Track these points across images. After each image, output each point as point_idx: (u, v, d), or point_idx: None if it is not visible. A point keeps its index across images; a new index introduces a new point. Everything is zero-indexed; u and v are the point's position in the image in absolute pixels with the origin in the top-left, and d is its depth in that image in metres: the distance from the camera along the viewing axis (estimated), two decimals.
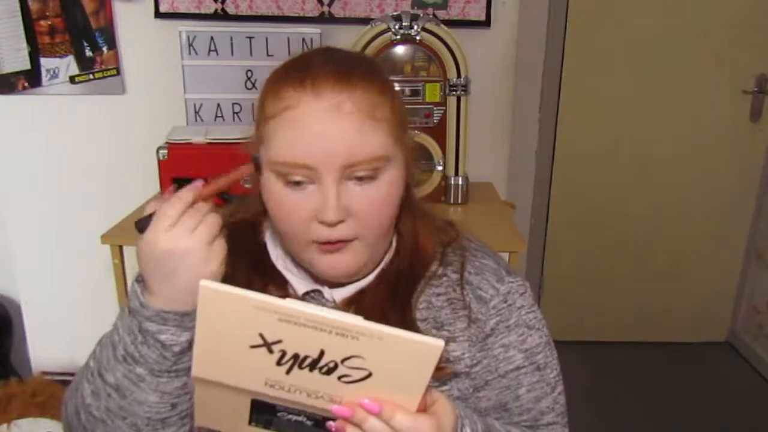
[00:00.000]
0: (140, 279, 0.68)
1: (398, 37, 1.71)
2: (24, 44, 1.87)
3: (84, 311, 2.07)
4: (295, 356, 0.57)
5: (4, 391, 1.91)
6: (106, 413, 0.70)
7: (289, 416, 0.63)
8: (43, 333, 2.20)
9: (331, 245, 0.71)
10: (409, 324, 0.76)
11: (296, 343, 0.56)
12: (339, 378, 0.58)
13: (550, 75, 2.53)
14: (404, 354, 0.56)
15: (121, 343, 0.69)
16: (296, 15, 1.89)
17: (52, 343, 2.19)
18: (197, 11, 1.89)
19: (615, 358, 2.75)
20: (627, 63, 2.52)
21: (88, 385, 0.71)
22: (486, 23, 1.90)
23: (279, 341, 0.56)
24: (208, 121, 1.91)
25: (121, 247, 1.61)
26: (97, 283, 1.97)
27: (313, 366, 0.57)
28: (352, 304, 0.78)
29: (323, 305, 0.79)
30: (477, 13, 1.90)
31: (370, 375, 0.57)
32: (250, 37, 1.86)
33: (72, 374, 0.77)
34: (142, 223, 0.67)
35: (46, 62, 1.91)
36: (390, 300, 0.77)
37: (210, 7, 1.89)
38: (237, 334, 0.57)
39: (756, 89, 2.54)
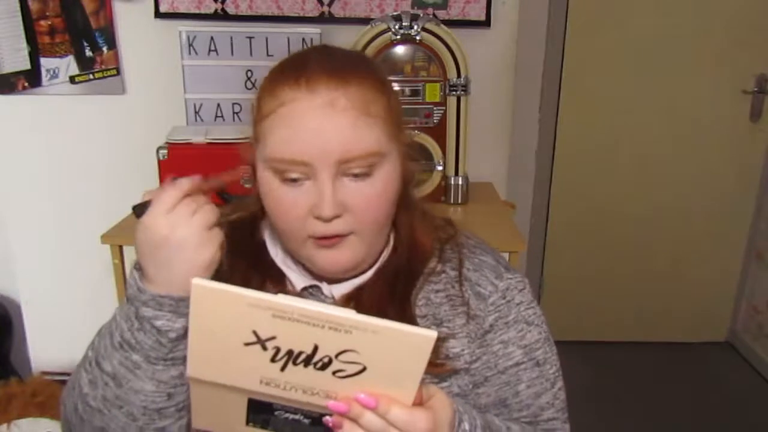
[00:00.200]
0: (138, 266, 0.69)
1: (398, 37, 1.71)
2: (24, 44, 1.87)
3: (84, 311, 2.07)
4: (290, 352, 0.57)
5: (4, 391, 1.91)
6: (102, 402, 0.70)
7: (286, 415, 0.63)
8: (43, 333, 2.21)
9: (328, 240, 0.71)
10: (409, 320, 0.76)
11: (290, 339, 0.56)
12: (334, 373, 0.58)
13: (550, 75, 2.53)
14: (397, 346, 0.56)
15: (118, 330, 0.69)
16: (296, 15, 1.89)
17: (52, 343, 2.19)
18: (197, 11, 1.89)
19: (615, 358, 2.75)
20: (627, 63, 2.52)
21: (86, 374, 0.72)
22: (486, 23, 1.90)
23: (273, 338, 0.56)
24: (208, 121, 1.91)
25: (121, 247, 1.61)
26: (97, 283, 1.97)
27: (307, 362, 0.57)
28: (351, 301, 0.78)
29: (322, 301, 0.79)
30: (477, 13, 1.90)
31: (364, 369, 0.57)
32: (250, 37, 1.86)
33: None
34: (139, 208, 0.67)
35: (46, 62, 1.91)
36: (389, 296, 0.77)
37: (210, 7, 1.89)
38: (230, 331, 0.57)
39: (756, 89, 2.54)
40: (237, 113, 1.89)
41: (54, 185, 2.06)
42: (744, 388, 2.61)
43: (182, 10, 1.89)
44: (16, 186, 2.06)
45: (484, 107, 1.93)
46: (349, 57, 0.76)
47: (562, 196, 2.70)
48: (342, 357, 0.57)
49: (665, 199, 2.69)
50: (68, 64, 1.92)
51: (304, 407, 0.62)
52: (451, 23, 1.80)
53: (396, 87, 1.74)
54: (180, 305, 0.67)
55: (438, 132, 1.77)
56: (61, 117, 1.98)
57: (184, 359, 0.69)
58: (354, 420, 0.59)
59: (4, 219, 2.10)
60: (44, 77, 1.92)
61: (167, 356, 0.69)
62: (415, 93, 1.76)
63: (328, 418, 0.61)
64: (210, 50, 1.86)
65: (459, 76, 1.73)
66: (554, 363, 0.83)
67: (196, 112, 1.91)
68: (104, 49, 1.92)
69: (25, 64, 1.90)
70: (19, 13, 1.85)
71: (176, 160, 1.69)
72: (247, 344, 0.57)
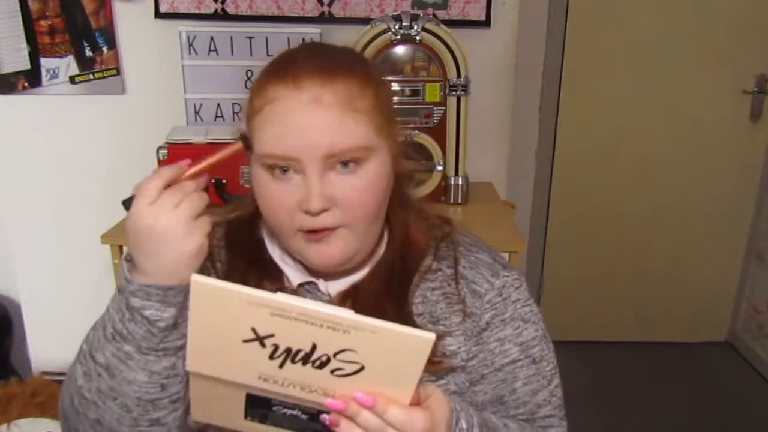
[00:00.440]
0: (128, 258, 0.70)
1: (398, 37, 1.71)
2: (24, 44, 1.87)
3: (84, 311, 2.06)
4: (288, 350, 0.57)
5: (4, 391, 1.91)
6: (97, 394, 0.71)
7: (284, 410, 0.63)
8: (43, 333, 2.20)
9: (316, 234, 0.72)
10: (406, 317, 0.77)
11: (288, 337, 0.57)
12: (332, 372, 0.58)
13: (550, 75, 2.53)
14: (396, 347, 0.56)
15: (110, 322, 0.70)
16: (296, 15, 1.89)
17: (52, 343, 2.19)
18: (197, 11, 1.89)
19: (615, 358, 2.75)
20: (627, 63, 2.52)
21: (81, 367, 0.72)
22: (486, 23, 1.90)
23: (271, 335, 0.57)
24: (208, 121, 1.91)
25: (121, 247, 1.61)
26: (97, 283, 1.97)
27: (305, 360, 0.58)
28: (347, 298, 0.78)
29: (318, 298, 0.80)
30: (477, 13, 1.90)
31: (362, 368, 0.58)
32: (250, 37, 1.86)
33: None
34: (128, 202, 0.68)
35: (46, 62, 1.91)
36: (386, 294, 0.78)
37: (210, 7, 1.89)
38: (229, 328, 0.57)
39: (756, 89, 2.54)
40: (237, 113, 1.89)
41: (54, 185, 2.06)
42: (744, 388, 2.61)
43: (182, 10, 1.89)
44: (16, 186, 2.06)
45: (484, 107, 1.93)
46: (337, 53, 0.76)
47: (562, 196, 2.70)
48: (340, 356, 0.57)
49: (665, 199, 2.69)
50: (68, 64, 1.92)
51: (302, 403, 0.62)
52: (451, 23, 1.80)
53: (396, 87, 1.75)
54: (168, 294, 0.68)
55: (438, 132, 1.77)
56: (61, 117, 1.98)
57: (176, 350, 0.70)
58: (351, 418, 0.60)
59: (4, 219, 2.10)
60: (44, 77, 1.92)
61: (158, 346, 0.69)
62: (415, 93, 1.76)
63: (325, 416, 0.61)
64: (210, 50, 1.86)
65: (459, 76, 1.73)
66: (551, 360, 0.83)
67: (196, 112, 1.91)
68: (104, 49, 1.92)
69: (25, 64, 1.90)
70: (19, 13, 1.85)
71: (176, 160, 1.68)
72: (245, 341, 0.57)
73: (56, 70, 1.92)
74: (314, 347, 0.57)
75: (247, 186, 0.79)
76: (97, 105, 1.97)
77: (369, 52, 1.70)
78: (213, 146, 1.72)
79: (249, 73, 1.85)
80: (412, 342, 0.56)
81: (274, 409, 0.63)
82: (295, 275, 0.80)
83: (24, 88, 1.92)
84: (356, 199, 0.71)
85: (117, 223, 1.65)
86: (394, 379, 0.58)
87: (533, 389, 0.81)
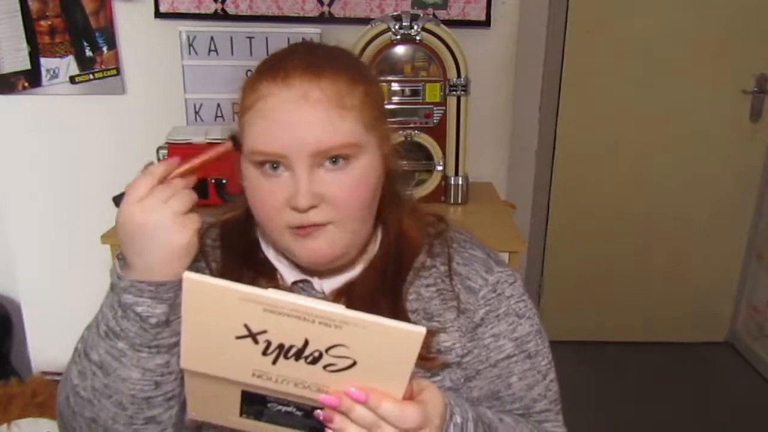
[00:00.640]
0: (121, 256, 0.71)
1: (398, 37, 1.71)
2: (24, 44, 1.87)
3: (84, 311, 2.05)
4: (281, 346, 0.58)
5: (4, 391, 1.91)
6: (92, 392, 0.71)
7: (279, 407, 0.64)
8: (43, 333, 2.20)
9: (304, 230, 0.72)
10: (400, 314, 0.77)
11: (281, 333, 0.57)
12: (324, 367, 0.58)
13: (550, 75, 2.53)
14: (387, 342, 0.56)
15: (104, 320, 0.71)
16: (296, 15, 1.89)
17: (52, 343, 2.19)
18: (197, 11, 1.89)
19: (615, 358, 2.75)
20: (627, 63, 2.52)
21: (75, 366, 0.73)
22: (486, 23, 1.90)
23: (264, 331, 0.57)
24: (208, 121, 1.90)
25: None
26: (97, 283, 1.96)
27: (298, 355, 0.58)
28: (342, 295, 0.79)
29: (313, 296, 0.80)
30: (477, 13, 1.89)
31: (354, 363, 0.58)
32: (250, 37, 1.86)
33: None
34: (118, 198, 0.69)
35: (46, 62, 1.91)
36: (380, 291, 0.78)
37: (210, 7, 1.89)
38: (222, 325, 0.57)
39: (756, 89, 2.54)
40: (237, 113, 1.89)
41: (54, 185, 2.06)
42: (744, 388, 2.61)
43: (182, 10, 1.88)
44: (16, 186, 2.06)
45: (484, 107, 1.93)
46: (328, 52, 0.77)
47: (562, 196, 2.71)
48: (332, 351, 0.57)
49: (665, 199, 2.69)
50: (68, 64, 1.92)
51: (297, 400, 0.62)
52: (451, 23, 1.80)
53: (396, 87, 1.76)
54: (159, 291, 0.68)
55: (438, 132, 1.77)
56: (61, 117, 1.98)
57: (169, 347, 0.70)
58: (345, 414, 0.60)
59: (4, 219, 2.10)
60: (44, 77, 1.92)
61: (151, 343, 0.70)
62: (415, 93, 1.76)
63: (319, 411, 0.62)
64: (210, 50, 1.86)
65: (459, 76, 1.73)
66: (546, 355, 0.83)
67: (196, 112, 1.91)
68: (104, 49, 1.92)
69: (25, 64, 1.90)
70: (19, 13, 1.85)
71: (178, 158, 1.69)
72: (238, 337, 0.58)
73: (56, 70, 1.92)
74: (306, 343, 0.57)
75: (245, 185, 0.79)
76: (97, 105, 1.97)
77: (369, 52, 1.70)
78: (212, 146, 1.72)
79: (249, 73, 1.85)
80: (402, 336, 0.56)
81: (269, 406, 0.64)
82: (289, 274, 0.81)
83: (24, 88, 1.92)
84: (344, 196, 0.72)
85: None
86: (387, 373, 0.59)
87: (528, 384, 0.81)
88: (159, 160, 1.69)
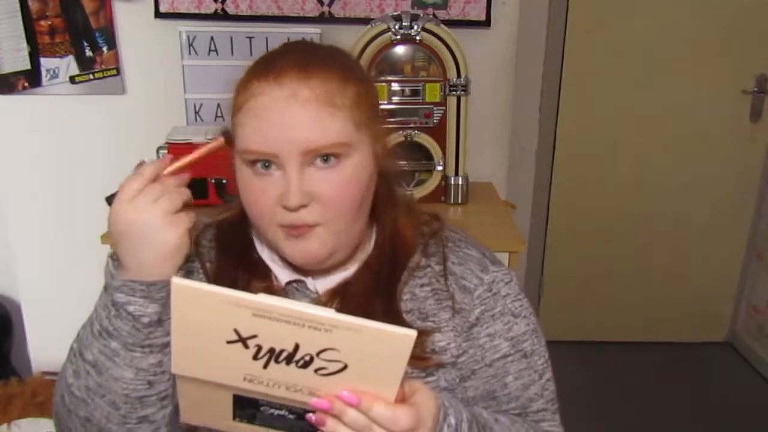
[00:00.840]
0: (115, 256, 0.71)
1: (398, 37, 1.71)
2: (24, 44, 1.87)
3: (84, 311, 2.06)
4: (271, 350, 0.57)
5: (4, 391, 1.91)
6: (86, 392, 0.72)
7: (272, 410, 0.64)
8: (43, 333, 2.20)
9: (295, 230, 0.72)
10: (395, 314, 0.77)
11: (271, 338, 0.57)
12: (316, 371, 0.58)
13: (550, 75, 2.53)
14: (377, 345, 0.56)
15: (97, 319, 0.71)
16: (296, 15, 1.89)
17: (52, 343, 2.19)
18: (197, 11, 1.89)
19: (615, 358, 2.75)
20: (627, 63, 2.52)
21: (71, 365, 0.74)
22: (486, 23, 1.90)
23: (254, 336, 0.57)
24: (208, 121, 1.90)
25: None
26: (98, 283, 1.96)
27: (289, 360, 0.58)
28: (336, 295, 0.79)
29: (307, 296, 0.80)
30: (477, 13, 1.89)
31: (346, 367, 0.58)
32: (250, 37, 1.86)
33: None
34: (111, 198, 0.70)
35: (46, 62, 1.91)
36: (374, 291, 0.78)
37: (210, 7, 1.89)
38: (212, 330, 0.57)
39: (756, 89, 2.54)
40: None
41: (54, 185, 2.06)
42: (744, 388, 2.61)
43: (182, 10, 1.88)
44: (16, 186, 2.06)
45: (484, 107, 1.93)
46: (321, 51, 0.78)
47: (562, 196, 2.71)
48: (323, 355, 0.57)
49: (665, 199, 2.69)
50: (68, 64, 1.92)
51: (289, 403, 0.62)
52: (451, 23, 1.80)
53: (396, 87, 1.76)
54: (151, 290, 0.69)
55: (438, 132, 1.77)
56: (61, 117, 1.98)
57: (161, 347, 0.71)
58: (337, 417, 0.60)
59: (4, 219, 2.10)
60: (44, 77, 1.92)
61: (144, 343, 0.70)
62: (415, 93, 1.76)
63: (311, 415, 0.61)
64: (210, 50, 1.86)
65: (459, 76, 1.73)
66: (542, 354, 0.83)
67: (196, 112, 1.91)
68: (104, 49, 1.92)
69: (25, 64, 1.90)
70: (19, 13, 1.85)
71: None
72: (229, 342, 0.57)
73: (56, 70, 1.92)
74: (297, 347, 0.57)
75: None
76: (97, 105, 1.97)
77: (369, 52, 1.70)
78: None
79: None
80: (393, 339, 0.56)
81: (262, 409, 0.64)
82: (283, 274, 0.81)
83: (24, 88, 1.92)
84: (334, 195, 0.72)
85: None
86: (378, 376, 0.59)
87: (524, 383, 0.81)
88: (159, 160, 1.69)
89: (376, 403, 0.59)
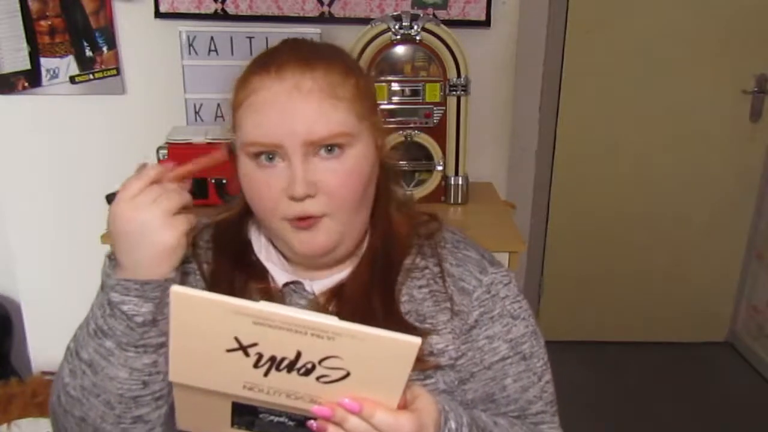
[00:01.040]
0: (112, 256, 0.72)
1: (398, 37, 1.71)
2: (24, 44, 1.87)
3: (84, 311, 2.06)
4: (272, 358, 0.57)
5: (4, 391, 1.91)
6: (81, 391, 0.72)
7: (271, 417, 0.63)
8: (43, 333, 2.20)
9: (302, 221, 0.72)
10: (393, 315, 0.77)
11: (272, 346, 0.56)
12: (317, 378, 0.58)
13: (550, 75, 2.53)
14: (381, 352, 0.56)
15: (93, 318, 0.72)
16: (296, 15, 1.89)
17: (52, 343, 2.18)
18: (197, 11, 1.89)
19: (615, 358, 2.75)
20: (627, 63, 2.52)
21: (67, 364, 0.74)
22: (486, 23, 1.90)
23: (255, 344, 0.56)
24: (208, 121, 1.90)
25: None
26: (97, 283, 1.97)
27: (290, 367, 0.57)
28: (333, 297, 0.78)
29: (304, 298, 0.80)
30: (477, 13, 1.89)
31: (348, 374, 0.57)
32: (250, 37, 1.86)
33: None
34: (111, 197, 0.70)
35: (46, 62, 1.91)
36: (371, 290, 0.78)
37: (210, 7, 1.89)
38: (212, 338, 0.57)
39: (756, 89, 2.54)
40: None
41: (54, 185, 2.06)
42: (744, 388, 2.61)
43: (182, 10, 1.88)
44: (16, 186, 2.06)
45: (484, 107, 1.93)
46: (318, 45, 0.79)
47: (562, 196, 2.71)
48: (325, 363, 0.56)
49: (665, 199, 2.69)
50: (68, 64, 1.92)
51: (289, 410, 0.62)
52: (451, 23, 1.80)
53: (396, 87, 1.75)
54: (146, 289, 0.69)
55: (438, 132, 1.77)
56: (61, 117, 1.98)
57: (156, 347, 0.71)
58: (338, 424, 0.60)
59: (4, 219, 2.10)
60: (44, 77, 1.92)
61: (138, 342, 0.70)
62: (415, 93, 1.76)
63: (312, 422, 0.61)
64: (210, 50, 1.86)
65: (459, 76, 1.73)
66: (541, 356, 0.83)
67: (196, 112, 1.91)
68: (104, 49, 1.92)
69: (25, 64, 1.90)
70: (19, 13, 1.85)
71: (176, 160, 1.68)
72: (229, 350, 0.57)
73: (56, 70, 1.92)
74: (299, 355, 0.56)
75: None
76: (97, 105, 1.97)
77: (369, 52, 1.70)
78: (213, 146, 1.72)
79: None
80: (397, 347, 0.55)
81: (261, 416, 0.63)
82: (280, 275, 0.80)
83: (24, 88, 1.92)
84: (339, 184, 0.72)
85: None
86: (381, 383, 0.58)
87: (523, 386, 0.81)
88: (159, 160, 1.69)
89: (378, 410, 0.59)
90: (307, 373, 0.57)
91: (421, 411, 0.62)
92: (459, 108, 1.75)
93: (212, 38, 1.86)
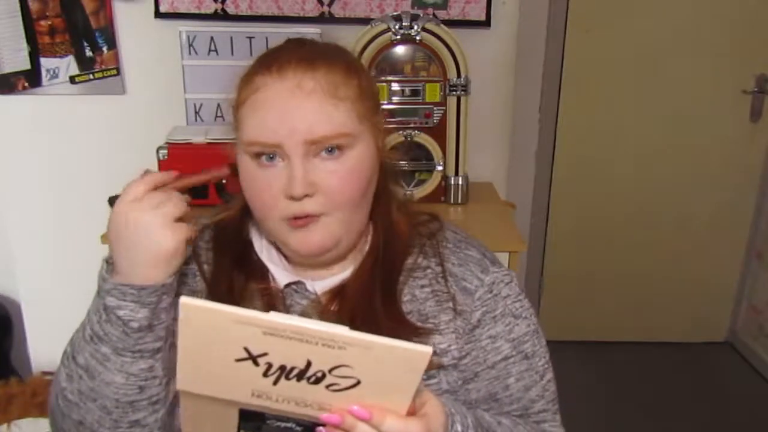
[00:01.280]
0: (110, 260, 0.72)
1: (398, 37, 1.71)
2: (24, 44, 1.87)
3: (84, 311, 2.06)
4: (282, 367, 0.57)
5: (4, 391, 1.91)
6: (78, 396, 0.72)
7: (278, 423, 0.63)
8: (43, 333, 2.20)
9: (300, 220, 0.72)
10: (395, 315, 0.77)
11: (282, 355, 0.56)
12: (327, 387, 0.57)
13: (550, 75, 2.52)
14: (392, 362, 0.56)
15: (89, 323, 0.72)
16: (296, 15, 1.89)
17: (52, 343, 2.18)
18: (197, 11, 1.89)
19: (615, 358, 2.75)
20: (627, 63, 2.52)
21: (64, 369, 0.74)
22: (486, 23, 1.90)
23: (265, 354, 0.56)
24: (208, 121, 1.90)
25: None
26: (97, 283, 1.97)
27: (300, 376, 0.57)
28: (335, 297, 0.78)
29: (306, 298, 0.80)
30: (477, 13, 1.90)
31: (358, 383, 0.57)
32: (250, 37, 1.86)
33: None
34: (114, 200, 0.70)
35: (46, 62, 1.91)
36: (373, 290, 0.78)
37: (210, 7, 1.89)
38: (221, 348, 0.56)
39: (756, 89, 2.54)
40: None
41: (54, 185, 2.06)
42: (744, 388, 2.61)
43: (182, 10, 1.89)
44: (16, 186, 2.06)
45: (484, 107, 1.93)
46: (321, 45, 0.79)
47: (562, 196, 2.70)
48: (336, 372, 0.56)
49: (665, 198, 2.69)
50: (68, 64, 1.92)
51: (297, 417, 0.61)
52: (451, 23, 1.80)
53: (396, 87, 1.75)
54: (142, 294, 0.69)
55: (438, 132, 1.77)
56: (61, 117, 1.98)
57: (152, 352, 0.71)
58: (347, 431, 0.59)
59: (4, 219, 2.10)
60: (44, 77, 1.92)
61: (134, 348, 0.70)
62: (415, 93, 1.76)
63: (321, 429, 0.61)
64: (210, 50, 1.86)
65: (459, 76, 1.73)
66: (543, 355, 0.83)
67: (196, 112, 1.91)
68: (104, 49, 1.92)
69: (25, 64, 1.90)
70: (19, 13, 1.85)
71: (176, 160, 1.69)
72: (238, 360, 0.57)
73: (56, 70, 1.92)
74: (309, 364, 0.56)
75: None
76: (97, 105, 1.97)
77: (369, 52, 1.70)
78: (213, 146, 1.72)
79: None
80: (408, 356, 0.55)
81: (268, 422, 0.63)
82: (282, 275, 0.80)
83: (24, 88, 1.92)
84: (338, 185, 0.72)
85: None
86: (391, 391, 0.58)
87: (526, 385, 0.81)
88: (159, 160, 1.69)
89: (387, 416, 0.59)
90: (317, 381, 0.57)
91: (430, 416, 0.62)
92: (459, 108, 1.75)
93: (212, 38, 1.86)
